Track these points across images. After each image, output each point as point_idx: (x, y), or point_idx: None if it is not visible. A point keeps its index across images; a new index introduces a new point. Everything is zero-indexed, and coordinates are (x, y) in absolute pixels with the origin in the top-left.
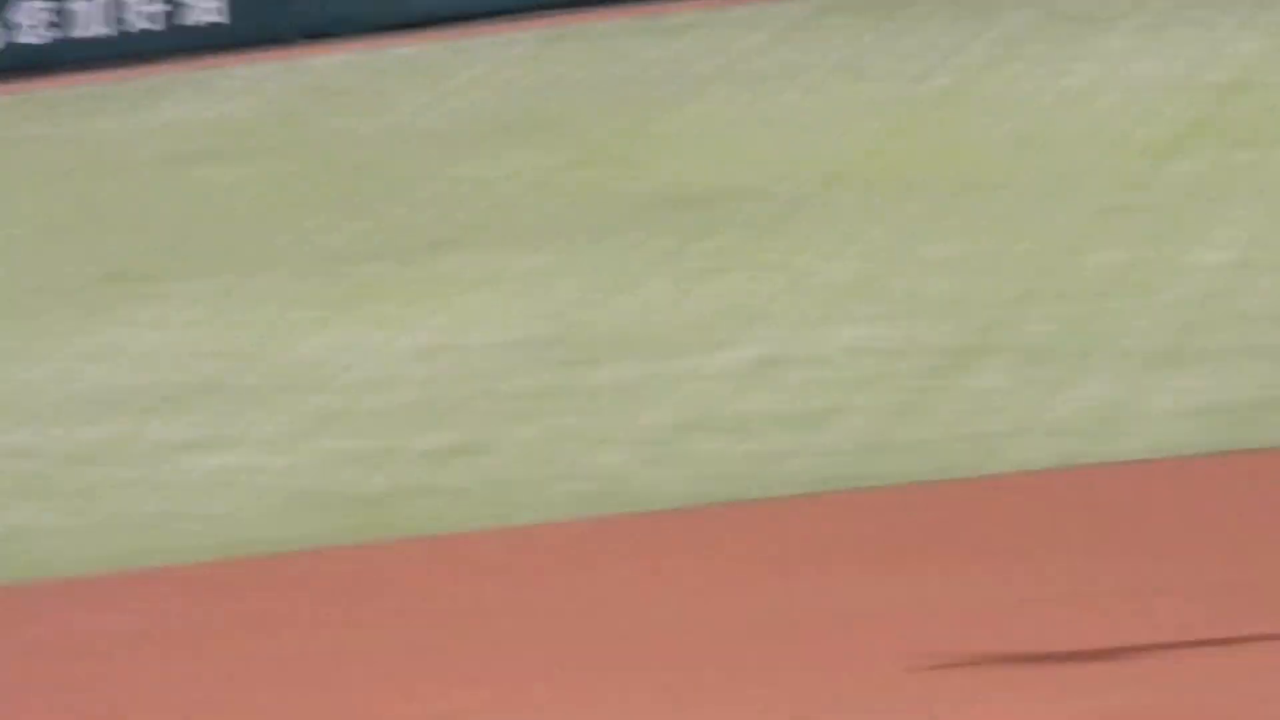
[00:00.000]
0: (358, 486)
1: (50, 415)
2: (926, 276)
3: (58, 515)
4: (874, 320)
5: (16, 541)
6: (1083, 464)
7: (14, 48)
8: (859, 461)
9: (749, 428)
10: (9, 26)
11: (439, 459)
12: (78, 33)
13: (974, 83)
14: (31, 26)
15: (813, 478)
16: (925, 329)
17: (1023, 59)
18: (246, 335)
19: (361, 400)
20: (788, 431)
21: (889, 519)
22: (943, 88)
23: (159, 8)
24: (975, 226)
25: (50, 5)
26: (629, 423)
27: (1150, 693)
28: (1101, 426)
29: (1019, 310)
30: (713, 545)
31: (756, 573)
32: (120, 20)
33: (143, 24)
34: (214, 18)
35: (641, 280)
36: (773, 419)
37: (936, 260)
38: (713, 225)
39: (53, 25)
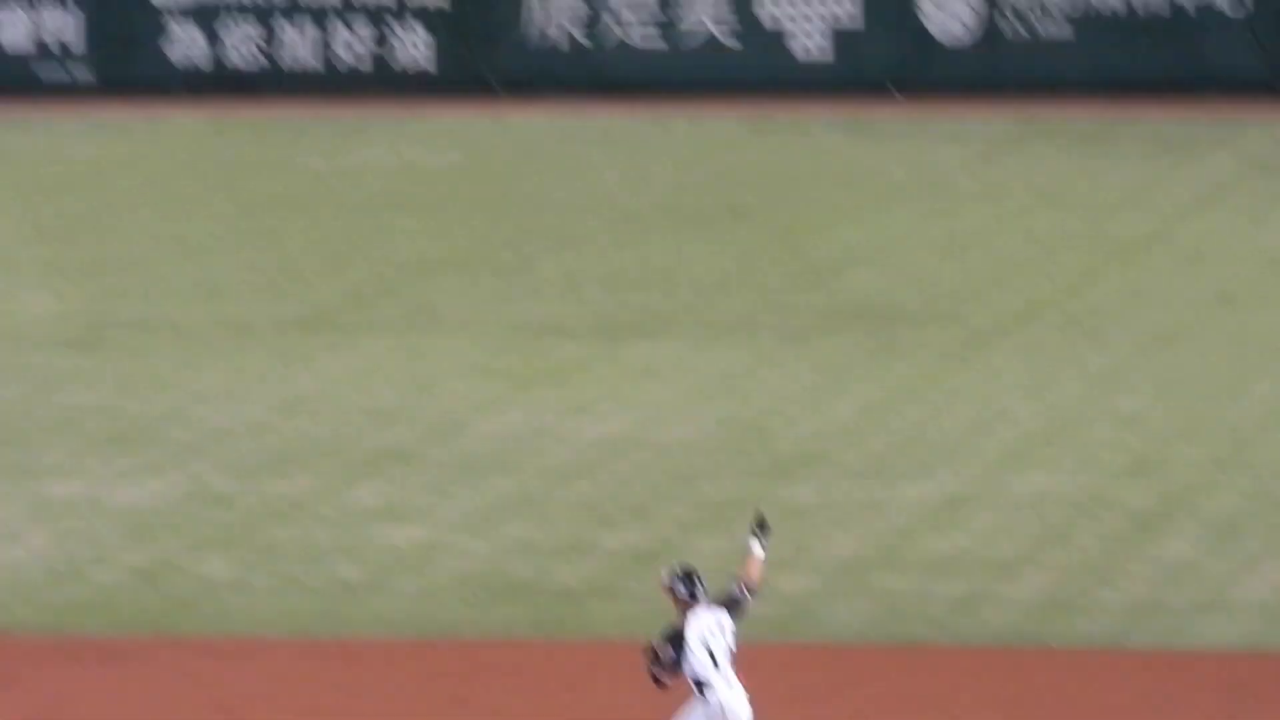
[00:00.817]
0: (546, 579)
1: (246, 466)
2: (1116, 430)
3: (241, 570)
4: (1061, 470)
5: (205, 595)
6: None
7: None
8: (1044, 618)
9: (937, 568)
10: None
11: (626, 560)
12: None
13: (1174, 226)
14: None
15: (1000, 628)
16: (1113, 487)
17: (1224, 207)
18: (439, 403)
19: (552, 489)
20: (975, 577)
21: (1059, 680)
22: (1143, 229)
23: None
24: (1168, 382)
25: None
26: (815, 548)
27: None
28: None
29: (1209, 478)
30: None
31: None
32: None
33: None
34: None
35: (830, 395)
36: (960, 562)
37: (1127, 414)
38: (902, 345)
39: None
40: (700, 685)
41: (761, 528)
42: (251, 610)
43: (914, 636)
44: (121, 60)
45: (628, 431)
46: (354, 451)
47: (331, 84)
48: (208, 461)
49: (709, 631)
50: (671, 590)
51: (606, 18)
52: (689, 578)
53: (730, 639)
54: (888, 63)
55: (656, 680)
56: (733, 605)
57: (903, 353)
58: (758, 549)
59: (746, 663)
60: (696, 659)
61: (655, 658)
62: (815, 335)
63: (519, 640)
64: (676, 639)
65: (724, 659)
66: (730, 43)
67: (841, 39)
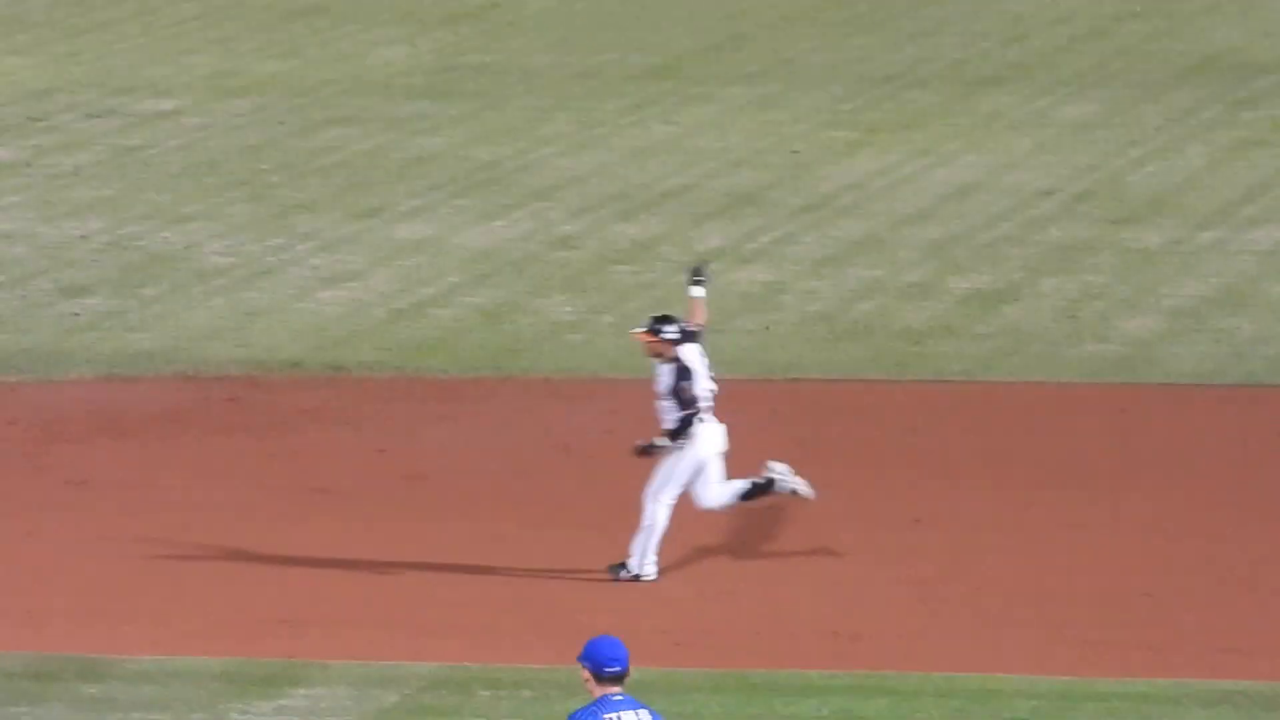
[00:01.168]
0: (888, 320)
1: (594, 210)
2: None
3: (585, 312)
4: None
5: (547, 335)
6: None
7: None
8: None
9: (1276, 310)
10: None
11: (973, 302)
12: None
13: None
14: None
15: None
16: None
17: None
18: (789, 150)
19: (897, 231)
20: None
21: None
22: None
23: None
24: None
25: None
26: (1159, 292)
27: None
28: None
29: None
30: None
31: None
32: None
33: None
34: None
35: (1181, 144)
36: None
37: None
38: (1260, 96)
39: None
40: (689, 418)
41: (698, 274)
42: (594, 351)
43: (1254, 378)
44: None
45: (978, 178)
46: (702, 196)
47: None
48: (554, 205)
49: (699, 361)
50: (656, 333)
51: None
52: (669, 320)
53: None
54: None
55: (677, 433)
56: (697, 340)
57: (1255, 103)
58: (698, 291)
59: (1093, 402)
60: (701, 386)
61: (680, 404)
62: (1171, 88)
63: (862, 380)
64: (685, 372)
65: (709, 388)
66: None
67: None
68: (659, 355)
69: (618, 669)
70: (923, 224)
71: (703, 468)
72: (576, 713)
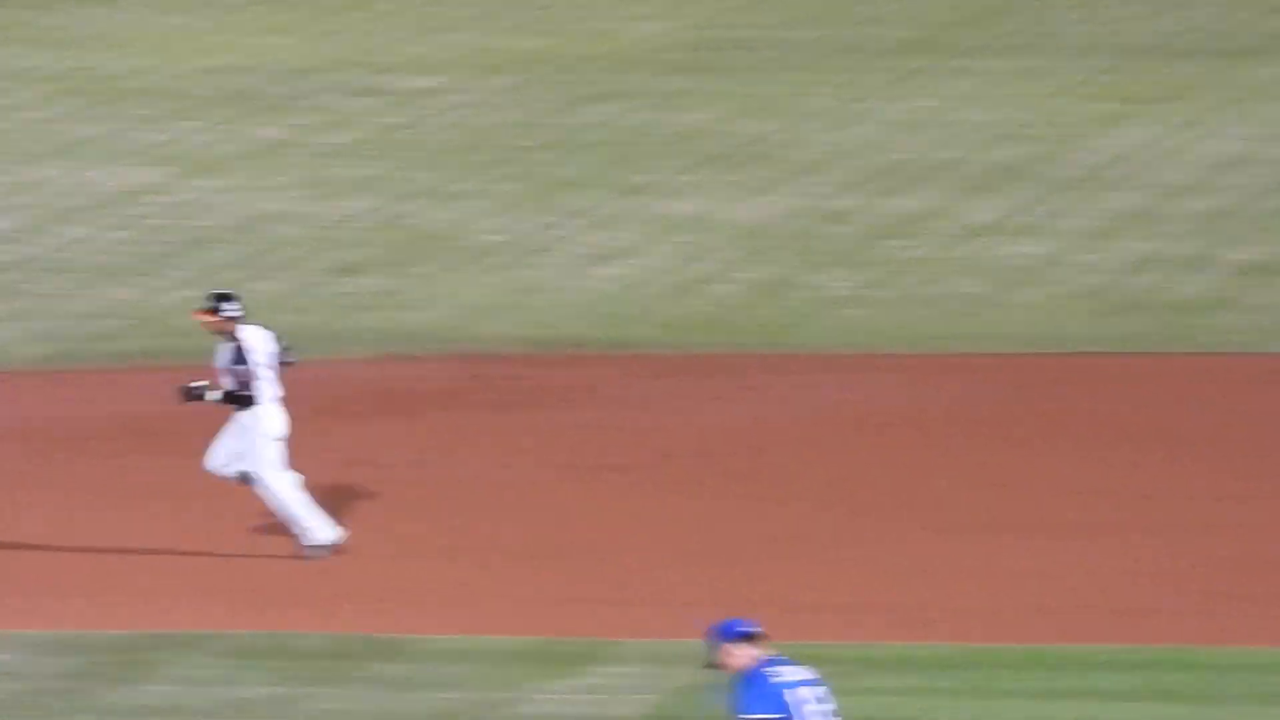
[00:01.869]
0: (1162, 293)
1: (862, 185)
2: None
3: (860, 287)
4: None
5: (823, 309)
6: None
7: None
8: None
9: None
10: None
11: (1247, 273)
12: None
13: None
14: None
15: None
16: None
17: None
18: (1052, 121)
19: (1167, 203)
20: None
21: None
22: None
23: None
24: None
25: None
26: None
27: None
28: None
29: None
30: None
31: None
32: None
33: None
34: None
35: None
36: None
37: None
38: None
39: None
40: (243, 397)
41: (188, 395)
42: (870, 324)
43: None
44: None
45: (1245, 149)
46: (968, 170)
47: None
48: (822, 180)
49: (264, 344)
50: (215, 311)
51: None
52: (229, 298)
53: (275, 354)
54: None
55: (240, 397)
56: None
57: None
58: (212, 397)
59: None
60: (262, 366)
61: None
62: None
63: (1139, 353)
64: (242, 355)
65: (274, 371)
66: None
67: None
68: (221, 333)
69: (752, 628)
70: (1193, 196)
71: (270, 443)
72: (745, 675)
